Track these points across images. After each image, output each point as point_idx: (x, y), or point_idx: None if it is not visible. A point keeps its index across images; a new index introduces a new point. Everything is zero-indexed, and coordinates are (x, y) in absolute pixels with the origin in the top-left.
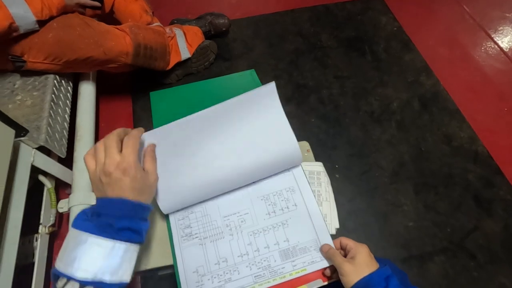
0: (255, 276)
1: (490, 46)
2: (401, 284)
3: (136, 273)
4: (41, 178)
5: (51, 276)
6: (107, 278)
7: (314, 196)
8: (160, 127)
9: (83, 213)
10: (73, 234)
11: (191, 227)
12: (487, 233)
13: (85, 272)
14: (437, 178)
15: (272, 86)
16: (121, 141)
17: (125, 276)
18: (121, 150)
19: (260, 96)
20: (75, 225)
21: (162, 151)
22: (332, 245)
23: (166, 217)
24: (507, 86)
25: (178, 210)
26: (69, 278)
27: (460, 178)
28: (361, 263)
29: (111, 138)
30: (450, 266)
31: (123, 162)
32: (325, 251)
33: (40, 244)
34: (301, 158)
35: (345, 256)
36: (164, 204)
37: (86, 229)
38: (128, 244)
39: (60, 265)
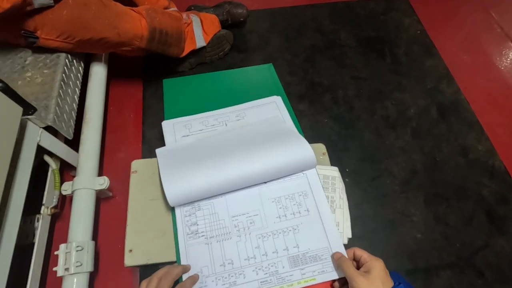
0: (261, 282)
1: None
2: None
3: (136, 266)
4: (47, 158)
5: None
6: None
7: (328, 202)
8: (179, 146)
9: None
10: None
11: (197, 225)
12: (498, 251)
13: None
14: (449, 190)
15: (279, 99)
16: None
17: None
18: None
19: (266, 107)
20: None
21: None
22: (345, 254)
23: (172, 211)
24: None
25: (185, 204)
26: None
27: (474, 192)
28: (376, 278)
29: (168, 280)
30: (456, 282)
31: None
32: (336, 259)
33: (41, 225)
34: (315, 160)
35: (357, 268)
36: (171, 196)
37: None
38: None
39: None
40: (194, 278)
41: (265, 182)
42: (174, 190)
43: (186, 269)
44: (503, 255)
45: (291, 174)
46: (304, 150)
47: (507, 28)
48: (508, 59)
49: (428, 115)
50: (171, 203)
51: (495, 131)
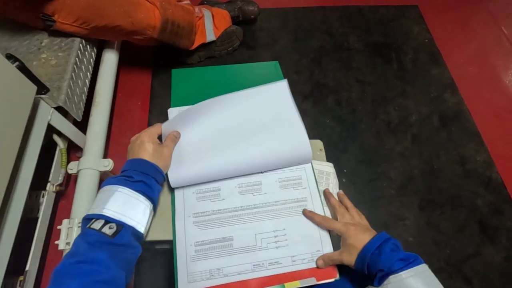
0: (253, 265)
1: None
2: (394, 247)
3: None
4: (55, 137)
5: (82, 222)
6: (127, 220)
7: (320, 196)
8: (183, 111)
9: (110, 177)
10: (101, 190)
11: (197, 209)
12: (487, 260)
13: (109, 211)
14: (444, 197)
15: (284, 84)
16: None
17: (140, 226)
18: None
19: (273, 92)
20: (103, 185)
21: (181, 130)
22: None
23: (171, 192)
24: None
25: (185, 186)
26: (98, 217)
27: (468, 201)
28: (353, 244)
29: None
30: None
31: (149, 133)
32: (320, 265)
33: (46, 200)
34: (311, 154)
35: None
36: (173, 177)
37: (111, 184)
38: (142, 197)
39: (90, 211)
40: (174, 136)
41: (262, 172)
42: (176, 172)
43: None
44: (492, 265)
45: (287, 167)
46: (302, 144)
47: None
48: None
49: (429, 123)
50: (172, 184)
51: (494, 143)
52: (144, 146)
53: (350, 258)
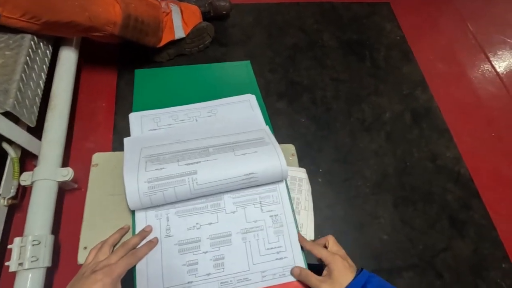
0: (221, 283)
1: (487, 69)
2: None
3: None
4: (5, 146)
5: None
6: None
7: (293, 203)
8: (148, 134)
9: None
10: None
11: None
12: (457, 254)
13: None
14: (417, 194)
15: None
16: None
17: None
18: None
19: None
20: None
21: (141, 150)
22: (302, 264)
23: (132, 213)
24: (497, 111)
25: (147, 208)
26: None
27: (439, 197)
28: (338, 278)
29: (124, 249)
30: (417, 283)
31: (110, 268)
32: (297, 275)
33: None
34: (286, 172)
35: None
36: (132, 199)
37: None
38: None
39: None
40: (152, 244)
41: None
42: (135, 194)
43: (143, 236)
44: (461, 258)
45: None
46: (279, 168)
47: (480, 40)
48: (479, 70)
49: (402, 120)
50: (131, 207)
51: (462, 139)
52: (94, 284)
53: None
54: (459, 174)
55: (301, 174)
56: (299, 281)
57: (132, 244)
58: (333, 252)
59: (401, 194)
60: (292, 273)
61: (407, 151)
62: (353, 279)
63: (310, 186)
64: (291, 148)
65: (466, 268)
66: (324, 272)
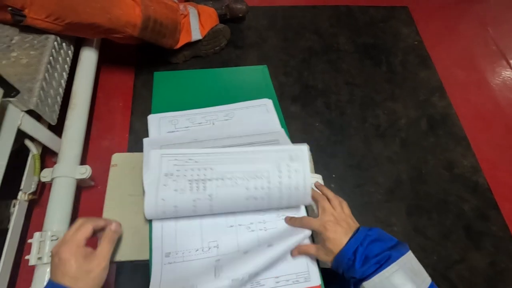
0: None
1: (509, 76)
2: (370, 249)
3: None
4: (27, 143)
5: None
6: None
7: (307, 210)
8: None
9: None
10: None
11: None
12: (472, 266)
13: None
14: (431, 202)
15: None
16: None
17: None
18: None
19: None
20: None
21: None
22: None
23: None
24: None
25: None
26: None
27: (455, 207)
28: (330, 245)
29: (91, 223)
30: None
31: (71, 244)
32: (296, 254)
33: (18, 210)
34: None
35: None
36: (149, 211)
37: None
38: None
39: None
40: (113, 231)
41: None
42: (153, 206)
43: (107, 223)
44: (477, 271)
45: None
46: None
47: (502, 46)
48: (500, 77)
49: (417, 127)
50: (148, 217)
51: (481, 148)
52: (64, 267)
53: (326, 258)
54: (477, 184)
55: (318, 180)
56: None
57: (96, 224)
58: (325, 220)
59: (415, 202)
60: (291, 253)
61: (422, 159)
62: (345, 245)
63: None
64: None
65: (481, 281)
66: (319, 239)
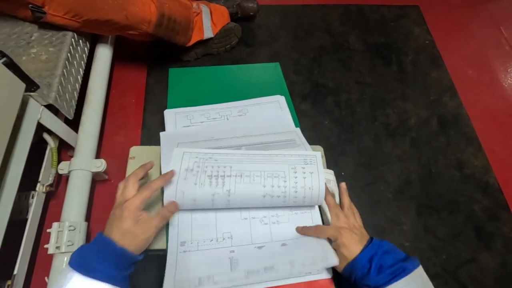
0: (247, 271)
1: None
2: (384, 259)
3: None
4: (46, 136)
5: None
6: None
7: (320, 211)
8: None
9: (80, 249)
10: (63, 270)
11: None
12: (483, 266)
13: None
14: (442, 202)
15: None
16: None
17: None
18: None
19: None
20: (71, 257)
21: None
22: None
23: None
24: None
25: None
26: None
27: (465, 207)
28: (344, 253)
29: (147, 191)
30: None
31: (134, 205)
32: (311, 231)
33: (36, 201)
34: (323, 197)
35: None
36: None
37: (73, 264)
38: (101, 283)
39: None
40: (166, 176)
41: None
42: (173, 197)
43: (166, 179)
44: (487, 271)
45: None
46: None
47: None
48: None
49: (428, 126)
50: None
51: (492, 148)
52: (121, 221)
53: (339, 265)
54: (488, 184)
55: (329, 175)
56: None
57: (156, 185)
58: (339, 226)
59: (425, 201)
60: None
61: (432, 158)
62: (359, 253)
63: (337, 188)
64: (319, 149)
65: (491, 282)
66: (333, 246)
